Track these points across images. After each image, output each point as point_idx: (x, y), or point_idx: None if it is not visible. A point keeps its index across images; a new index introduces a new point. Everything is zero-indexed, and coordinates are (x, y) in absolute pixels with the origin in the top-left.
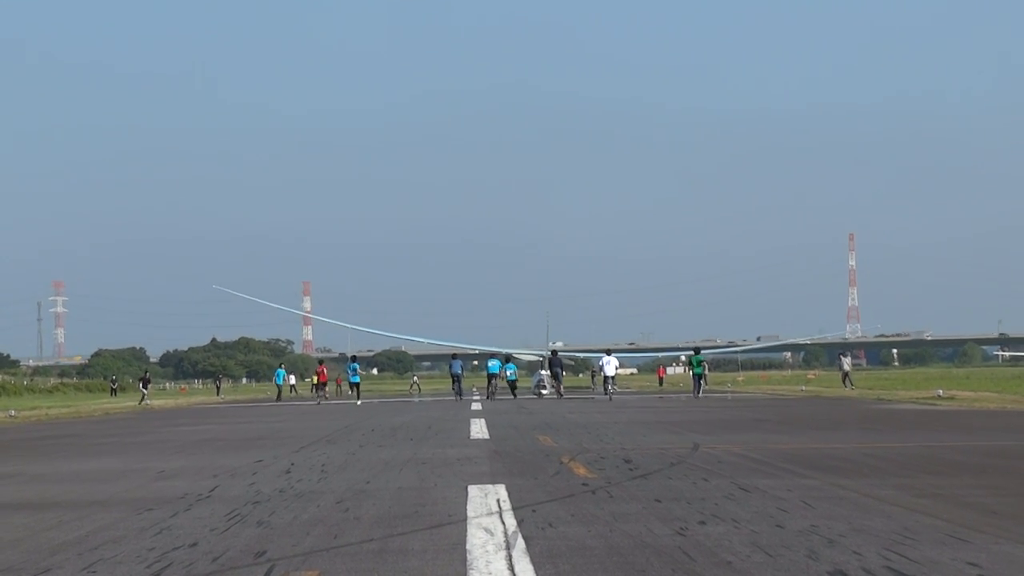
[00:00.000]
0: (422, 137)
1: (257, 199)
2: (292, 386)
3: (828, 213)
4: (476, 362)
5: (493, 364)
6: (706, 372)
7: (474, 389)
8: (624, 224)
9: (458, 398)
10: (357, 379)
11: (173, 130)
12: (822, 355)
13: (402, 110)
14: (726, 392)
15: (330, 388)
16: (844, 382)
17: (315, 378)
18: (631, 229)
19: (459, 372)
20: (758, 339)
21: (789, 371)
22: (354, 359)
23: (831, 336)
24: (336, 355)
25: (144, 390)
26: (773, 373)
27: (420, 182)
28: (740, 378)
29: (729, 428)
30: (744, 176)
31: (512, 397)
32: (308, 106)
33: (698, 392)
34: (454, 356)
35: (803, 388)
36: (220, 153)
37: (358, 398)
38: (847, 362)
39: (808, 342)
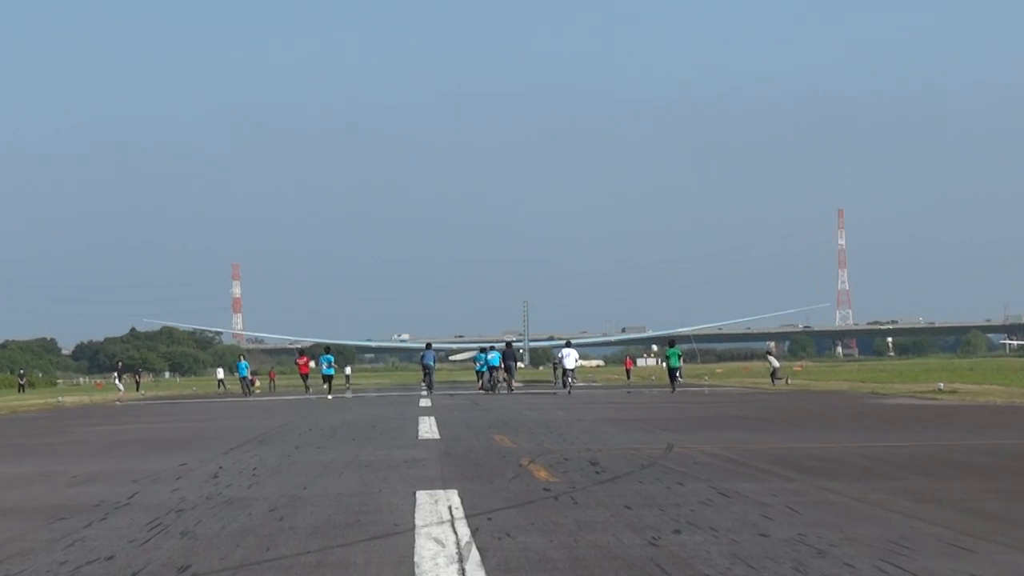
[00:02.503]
0: (377, 108)
1: (184, 173)
2: (220, 381)
3: (818, 196)
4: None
5: (493, 356)
6: (682, 365)
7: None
8: (595, 208)
9: (429, 392)
10: (332, 371)
11: (86, 103)
12: (810, 344)
13: (356, 79)
14: (703, 386)
15: (262, 383)
16: (772, 379)
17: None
18: (602, 213)
19: (431, 364)
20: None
21: None
22: (328, 350)
23: (816, 323)
24: (270, 347)
25: (119, 383)
26: (756, 364)
27: (371, 153)
28: (719, 370)
29: (706, 426)
30: (731, 156)
31: (493, 392)
32: (237, 75)
33: (674, 387)
34: (428, 346)
35: (789, 381)
36: (139, 125)
37: (330, 392)
38: (774, 359)
39: (792, 329)
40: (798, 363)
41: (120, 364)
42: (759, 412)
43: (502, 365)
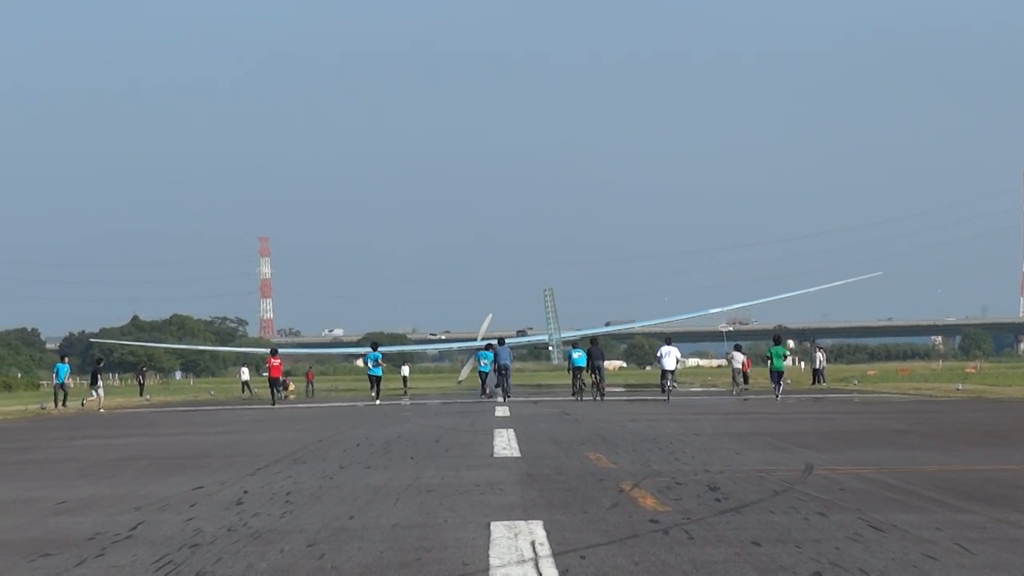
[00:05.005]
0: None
1: (197, 130)
2: (245, 383)
3: (995, 154)
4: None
5: (580, 356)
6: (823, 366)
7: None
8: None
9: (505, 398)
10: (379, 372)
11: (80, 41)
12: (986, 340)
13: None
14: (851, 392)
15: (298, 387)
16: (815, 380)
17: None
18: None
19: (508, 363)
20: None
21: (940, 362)
22: (375, 347)
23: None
24: (306, 341)
25: (97, 389)
26: (917, 365)
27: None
28: (871, 372)
29: (855, 442)
30: (864, 98)
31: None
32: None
33: (778, 392)
34: (501, 342)
35: (960, 386)
36: (142, 71)
37: (377, 396)
38: (820, 357)
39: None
40: (970, 364)
41: (100, 361)
42: (923, 425)
43: (589, 366)
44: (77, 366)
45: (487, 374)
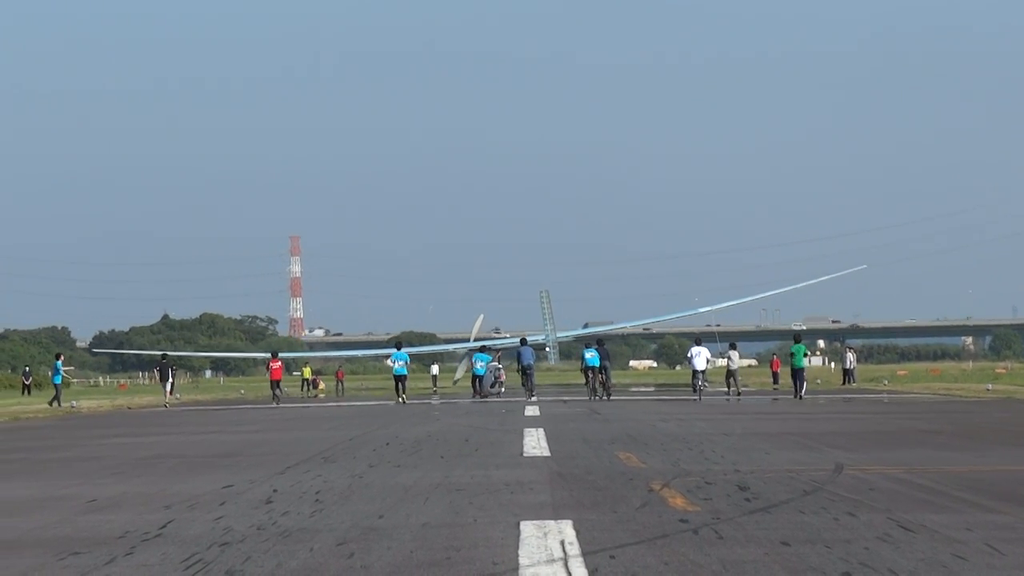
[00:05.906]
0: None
1: (228, 127)
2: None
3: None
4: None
5: (592, 356)
6: (854, 366)
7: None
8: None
9: (529, 396)
10: (404, 371)
11: (102, 38)
12: (1016, 342)
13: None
14: (881, 392)
15: (328, 385)
16: (845, 380)
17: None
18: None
19: (531, 363)
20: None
21: (971, 363)
22: (399, 346)
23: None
24: (337, 339)
25: (167, 386)
26: (948, 365)
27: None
28: (901, 372)
29: (885, 442)
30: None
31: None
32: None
33: (800, 392)
34: (523, 341)
35: (990, 387)
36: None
37: (401, 395)
38: (851, 357)
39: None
40: (1001, 365)
41: (165, 357)
42: (954, 426)
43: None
44: (107, 364)
45: (482, 377)
